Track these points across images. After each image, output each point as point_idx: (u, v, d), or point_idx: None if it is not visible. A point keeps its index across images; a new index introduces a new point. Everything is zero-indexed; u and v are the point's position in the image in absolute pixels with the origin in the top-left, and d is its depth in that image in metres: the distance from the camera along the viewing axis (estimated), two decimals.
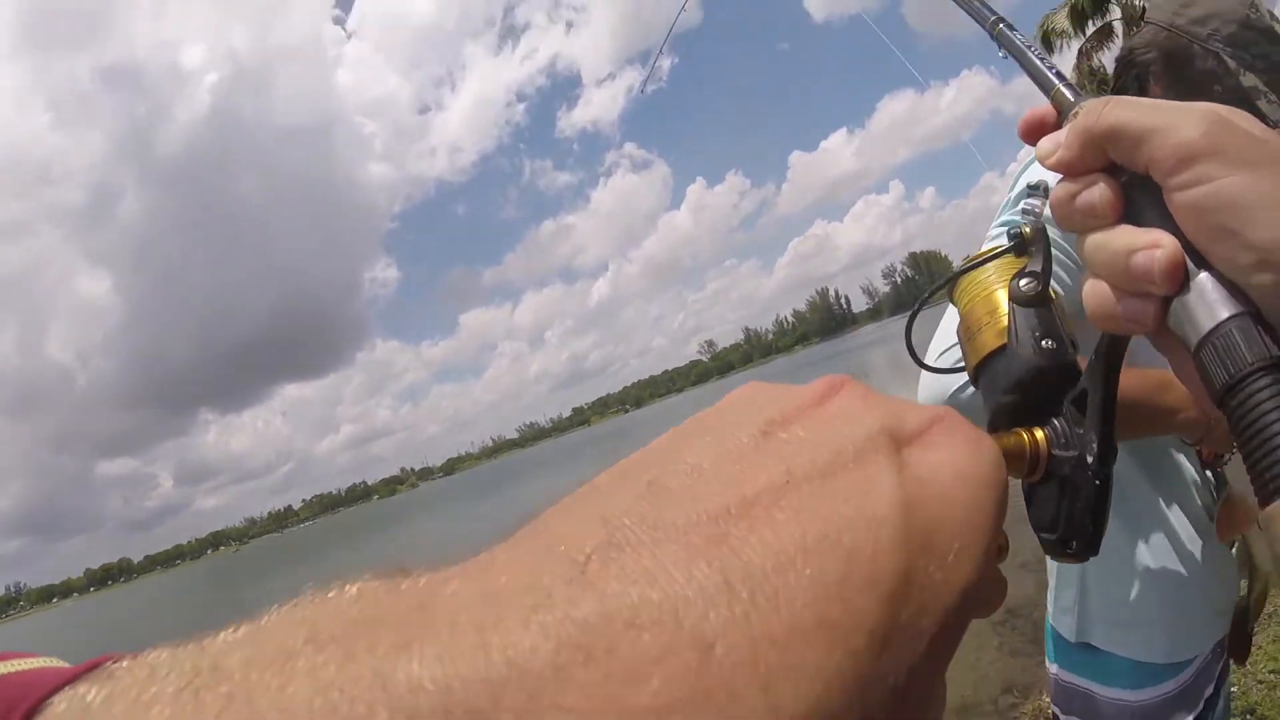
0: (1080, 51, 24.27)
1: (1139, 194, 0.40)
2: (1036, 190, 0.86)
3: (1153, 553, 1.30)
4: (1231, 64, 1.25)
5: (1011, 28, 0.64)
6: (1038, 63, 0.57)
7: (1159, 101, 0.40)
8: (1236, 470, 1.23)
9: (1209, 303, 0.37)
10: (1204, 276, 0.37)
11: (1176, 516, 1.32)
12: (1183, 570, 1.29)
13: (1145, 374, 1.12)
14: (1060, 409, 0.51)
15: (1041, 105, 0.50)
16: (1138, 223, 0.40)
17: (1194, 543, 1.31)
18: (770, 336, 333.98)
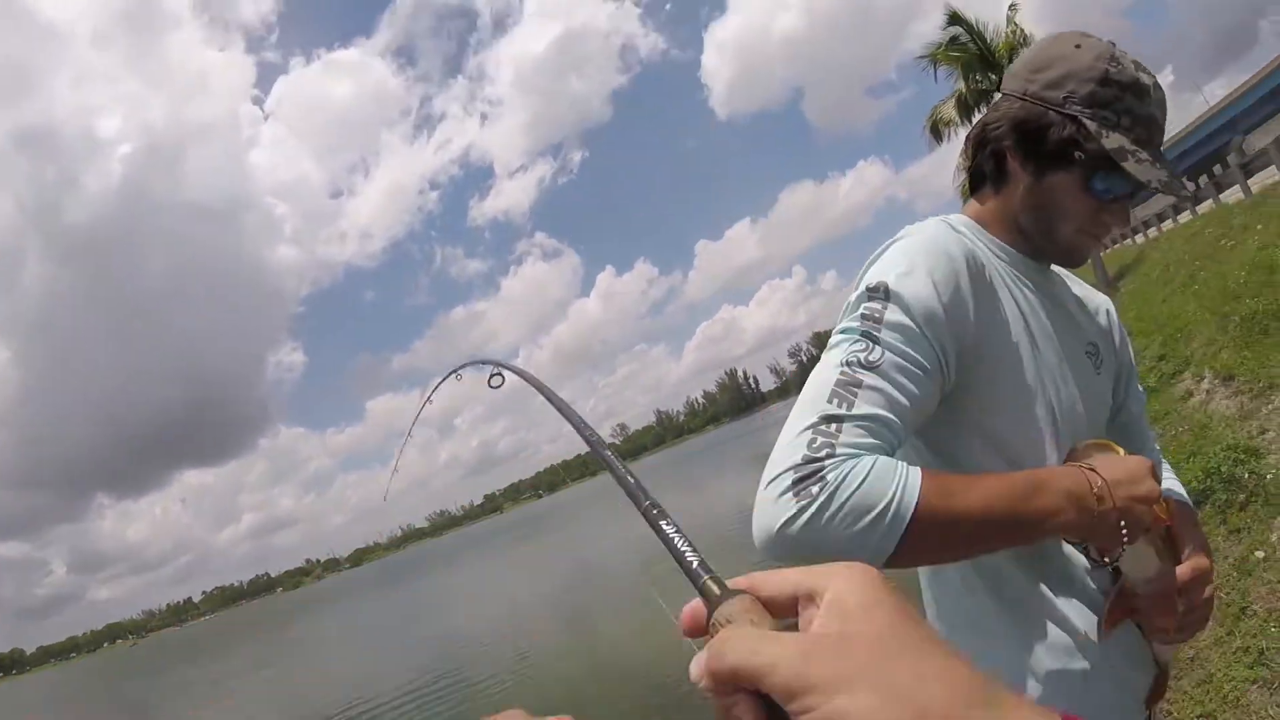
0: (967, 139, 26.04)
1: (775, 704, 0.45)
2: (876, 294, 1.12)
3: (1051, 653, 1.18)
4: (1092, 126, 1.17)
5: (665, 514, 0.65)
6: (686, 553, 0.59)
7: (763, 635, 0.47)
8: (1131, 561, 1.15)
9: None
10: None
11: (1073, 609, 1.20)
12: (1087, 665, 1.17)
13: (1010, 480, 1.04)
14: None
15: (694, 602, 0.54)
16: None
17: (1095, 632, 1.20)
18: (682, 418, 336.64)
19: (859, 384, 1.01)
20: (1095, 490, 1.04)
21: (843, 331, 1.09)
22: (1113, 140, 1.16)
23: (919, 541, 0.93)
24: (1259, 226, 11.30)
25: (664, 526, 0.64)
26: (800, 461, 0.95)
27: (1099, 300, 1.49)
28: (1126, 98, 1.17)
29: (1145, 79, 1.18)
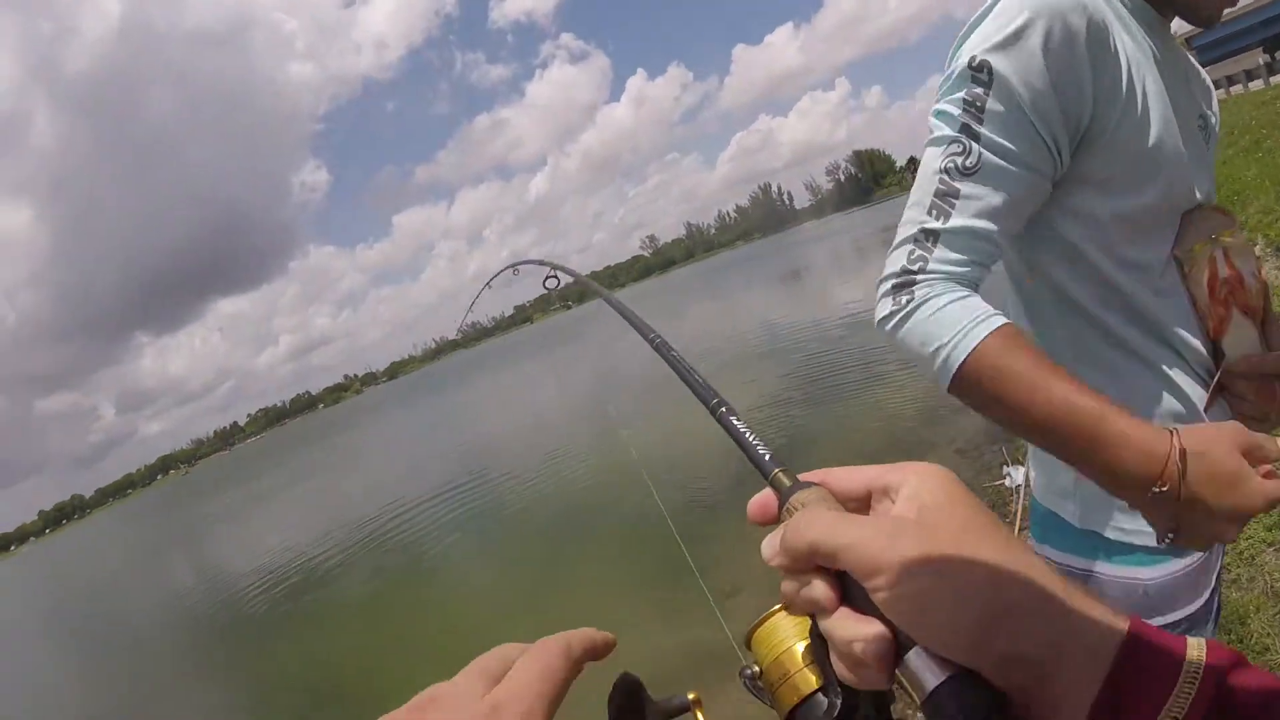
0: None
1: (850, 584, 0.46)
2: (980, 75, 1.04)
3: (1161, 420, 1.14)
4: None
5: (732, 410, 0.66)
6: (758, 447, 0.59)
7: (845, 516, 0.48)
8: (1234, 339, 1.15)
9: (920, 674, 0.43)
10: (913, 653, 0.44)
11: (1181, 376, 1.16)
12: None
13: (1081, 407, 0.94)
14: None
15: (763, 492, 0.55)
16: (854, 606, 0.47)
17: (1200, 402, 1.16)
18: (713, 232, 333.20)
19: (956, 194, 1.04)
20: (1165, 472, 0.91)
21: (941, 116, 1.08)
22: None
23: (964, 396, 1.02)
24: None
25: (734, 422, 0.65)
26: (899, 271, 1.07)
27: (1203, 72, 1.33)
28: None
29: None
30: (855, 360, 12.57)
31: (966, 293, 1.04)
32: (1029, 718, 0.43)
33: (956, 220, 1.04)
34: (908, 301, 1.05)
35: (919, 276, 1.05)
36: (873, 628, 0.45)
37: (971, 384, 1.00)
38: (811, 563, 0.48)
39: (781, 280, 38.64)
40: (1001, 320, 1.00)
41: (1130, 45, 1.08)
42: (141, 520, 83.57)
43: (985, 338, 0.99)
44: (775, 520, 0.53)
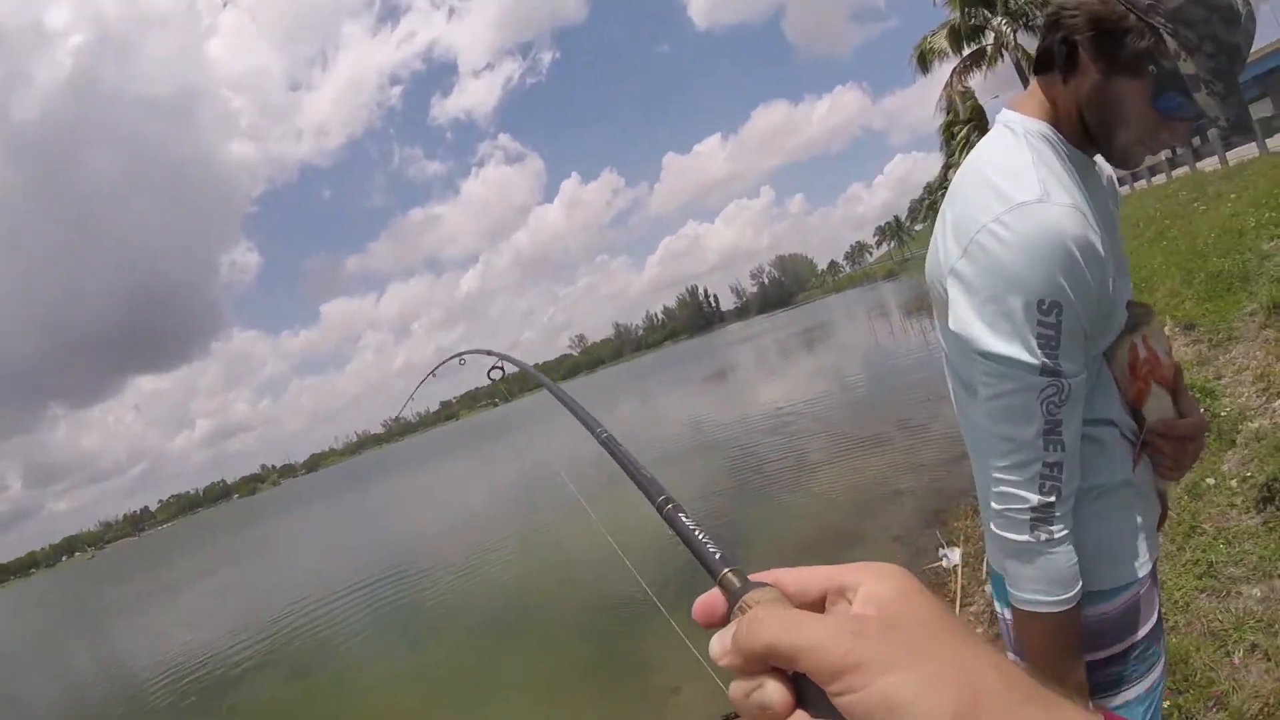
0: (954, 71, 26.00)
1: (807, 686, 0.44)
2: (1048, 314, 1.16)
3: (1105, 474, 1.34)
4: (1172, 45, 1.12)
5: (680, 508, 0.65)
6: (705, 547, 0.58)
7: (804, 615, 0.46)
8: (1153, 406, 1.36)
9: None
10: None
11: (1119, 446, 1.35)
12: (1133, 483, 1.36)
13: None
14: None
15: (710, 592, 0.53)
16: (811, 710, 0.44)
17: (1130, 466, 1.37)
18: (640, 332, 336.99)
19: (1059, 424, 1.19)
20: None
21: (1007, 364, 1.18)
22: (1189, 65, 1.12)
23: (1052, 627, 1.28)
24: (1233, 195, 11.55)
25: (683, 520, 0.62)
26: (1036, 505, 1.23)
27: (1108, 166, 1.46)
28: (1214, 21, 1.11)
29: (1239, 5, 1.11)
30: (784, 454, 12.75)
31: (1072, 550, 1.25)
32: None
33: (1069, 444, 1.21)
34: (1046, 540, 1.23)
35: (1056, 511, 1.22)
36: None
37: (1042, 626, 1.28)
38: (765, 664, 0.45)
39: (709, 380, 39.09)
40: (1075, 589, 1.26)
41: (1082, 204, 1.20)
42: (43, 602, 78.80)
43: (1070, 608, 1.26)
44: (723, 622, 0.51)
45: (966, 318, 1.20)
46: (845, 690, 0.41)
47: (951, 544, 5.80)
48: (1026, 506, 1.23)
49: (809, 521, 8.78)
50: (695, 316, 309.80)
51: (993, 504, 1.28)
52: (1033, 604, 1.26)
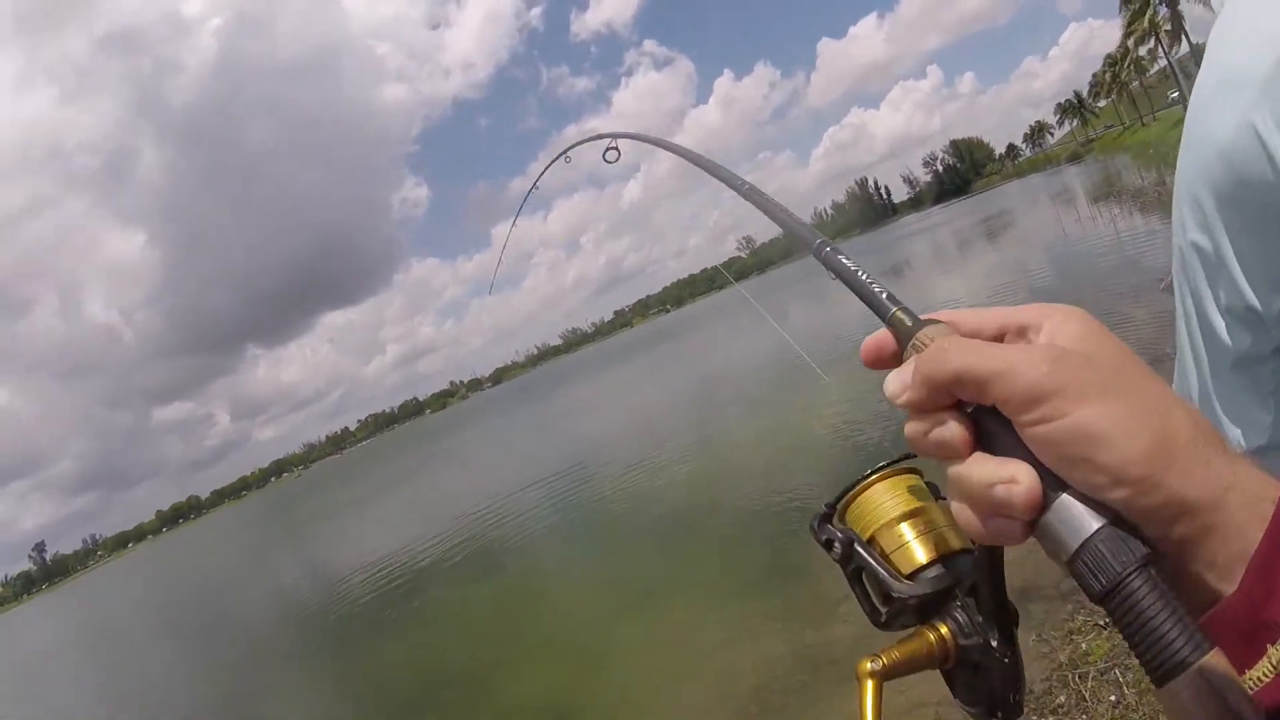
0: None
1: (990, 422, 0.43)
2: None
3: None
4: None
5: (838, 250, 0.61)
6: (869, 287, 0.55)
7: (996, 344, 0.44)
8: None
9: (1071, 522, 0.40)
10: (1064, 498, 0.40)
11: None
12: None
13: None
14: (956, 600, 0.59)
15: (878, 333, 0.51)
16: (992, 449, 0.43)
17: None
18: None
19: None
20: None
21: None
22: None
23: None
24: None
25: (843, 261, 0.60)
26: None
27: None
28: None
29: None
30: None
31: None
32: (1183, 575, 0.40)
33: None
34: None
35: None
36: (1020, 468, 0.41)
37: None
38: (949, 397, 0.44)
39: (885, 275, 37.62)
40: None
41: None
42: (255, 520, 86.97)
43: None
44: (894, 361, 0.50)
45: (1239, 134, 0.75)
46: (1040, 419, 0.40)
47: None
48: None
49: None
50: (866, 210, 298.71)
51: None
52: None
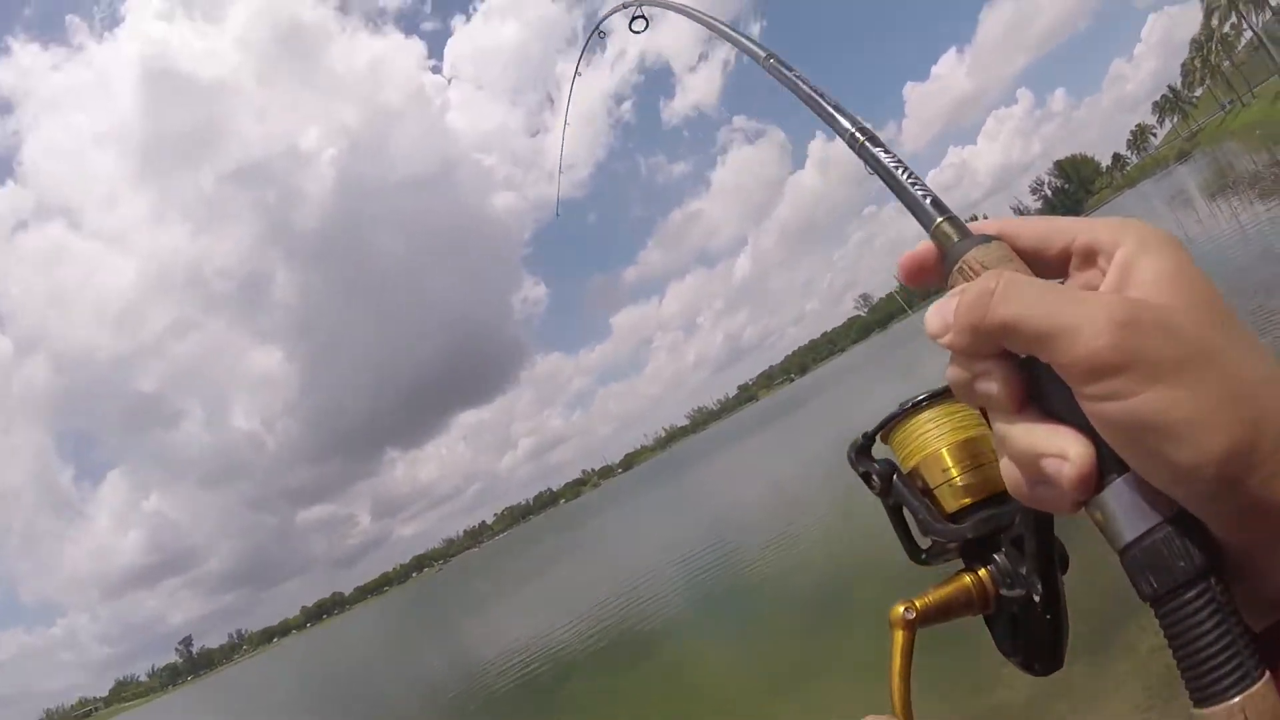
0: None
1: (1044, 378, 0.38)
2: None
3: None
4: None
5: (877, 142, 0.54)
6: (912, 190, 0.49)
7: (1055, 288, 0.37)
8: None
9: (1127, 511, 0.36)
10: (1122, 482, 0.36)
11: None
12: None
13: None
14: (1000, 546, 0.55)
15: (921, 244, 0.46)
16: (1045, 407, 0.38)
17: None
18: None
19: None
20: None
21: None
22: None
23: None
24: None
25: (880, 156, 0.52)
26: None
27: None
28: None
29: None
30: None
31: None
32: (1248, 581, 0.36)
33: None
34: None
35: None
36: (1076, 442, 0.36)
37: None
38: (998, 345, 0.38)
39: None
40: None
41: None
42: (397, 613, 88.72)
43: None
44: (936, 280, 0.44)
45: None
46: (1105, 395, 0.34)
47: None
48: None
49: None
50: None
51: None
52: None
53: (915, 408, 0.59)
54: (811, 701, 6.78)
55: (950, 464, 0.56)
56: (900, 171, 0.51)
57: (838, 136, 0.59)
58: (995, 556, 0.55)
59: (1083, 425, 0.36)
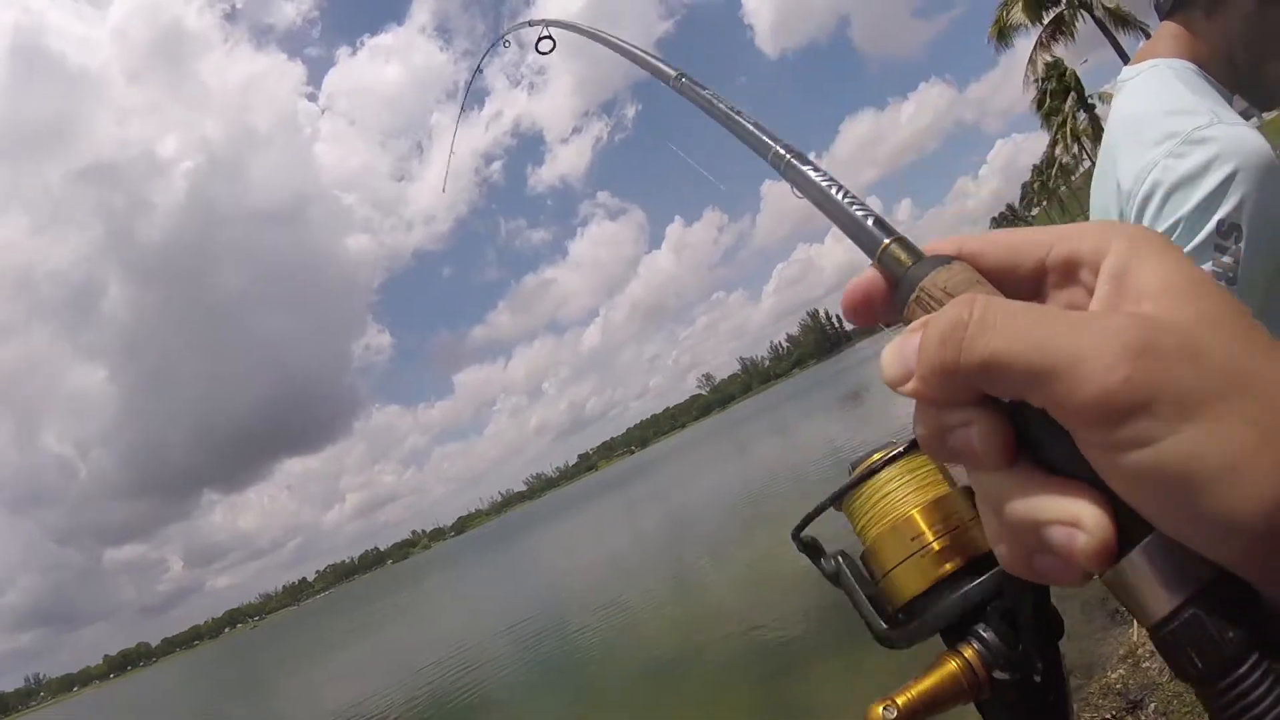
0: (1036, 44, 25.05)
1: (1037, 424, 0.31)
2: (1228, 238, 0.97)
3: None
4: None
5: (805, 159, 0.48)
6: (850, 210, 0.43)
7: (1045, 312, 0.30)
8: None
9: (1158, 581, 0.30)
10: (1146, 547, 0.30)
11: None
12: None
13: None
14: (985, 618, 0.47)
15: (865, 272, 0.39)
16: (1039, 456, 0.31)
17: None
18: (767, 363, 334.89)
19: None
20: None
21: None
22: None
23: None
24: None
25: (809, 174, 0.46)
26: None
27: None
28: None
29: None
30: None
31: None
32: None
33: None
34: None
35: None
36: (1089, 505, 0.29)
37: None
38: (974, 389, 0.31)
39: (841, 402, 38.07)
40: None
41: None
42: (206, 671, 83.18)
43: None
44: (886, 316, 0.39)
45: None
46: (1123, 443, 0.27)
47: None
48: None
49: None
50: (820, 340, 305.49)
51: None
52: None
53: (870, 472, 0.52)
54: None
55: (921, 529, 0.49)
56: (834, 190, 0.44)
57: (760, 158, 0.54)
58: (982, 632, 0.46)
59: (1092, 480, 0.29)
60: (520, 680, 11.92)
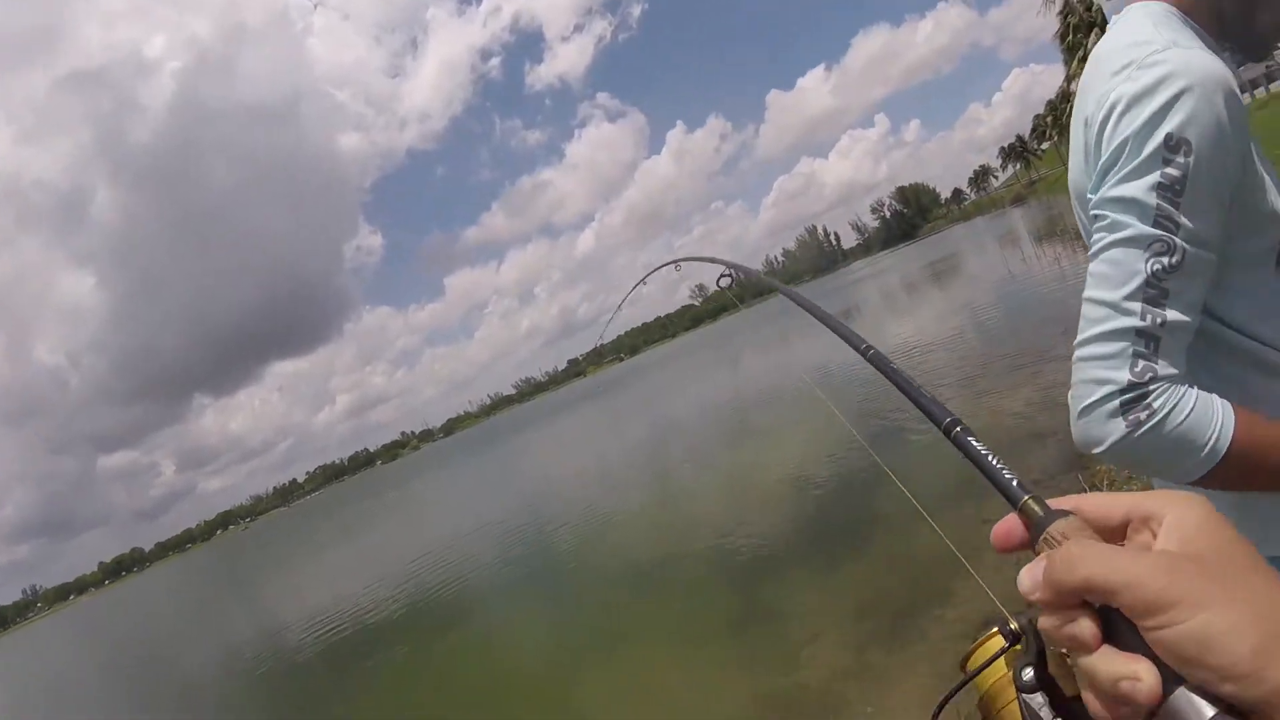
0: None
1: (1115, 618, 0.46)
2: (1175, 153, 1.01)
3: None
4: None
5: (970, 431, 0.63)
6: (1003, 471, 0.58)
7: (1119, 551, 0.47)
8: None
9: (1186, 713, 0.43)
10: (1181, 690, 0.43)
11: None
12: None
13: None
14: None
15: (1008, 517, 0.55)
16: (1117, 643, 0.46)
17: None
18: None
19: (1165, 294, 1.03)
20: None
21: (1125, 206, 1.04)
22: None
23: (1225, 474, 1.03)
24: None
25: (974, 444, 0.61)
26: (1125, 385, 1.04)
27: None
28: None
29: None
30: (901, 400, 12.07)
31: (1195, 390, 1.04)
32: None
33: (1171, 316, 1.03)
34: (1148, 416, 1.03)
35: (1151, 388, 1.03)
36: (1143, 665, 0.45)
37: (1235, 464, 1.02)
38: (1078, 598, 0.48)
39: (844, 314, 38.07)
40: (1228, 402, 1.04)
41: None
42: (200, 574, 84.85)
43: (1236, 422, 1.02)
44: (1022, 548, 0.54)
45: (1085, 164, 1.13)
46: (1161, 625, 0.43)
47: (1094, 487, 5.29)
48: (1112, 390, 1.04)
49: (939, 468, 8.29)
50: (816, 257, 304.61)
51: (1072, 396, 1.09)
52: (1204, 467, 1.03)
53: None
54: (622, 668, 6.92)
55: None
56: (991, 457, 0.59)
57: (933, 426, 0.68)
58: None
59: (1147, 652, 0.44)
60: (503, 577, 12.21)
